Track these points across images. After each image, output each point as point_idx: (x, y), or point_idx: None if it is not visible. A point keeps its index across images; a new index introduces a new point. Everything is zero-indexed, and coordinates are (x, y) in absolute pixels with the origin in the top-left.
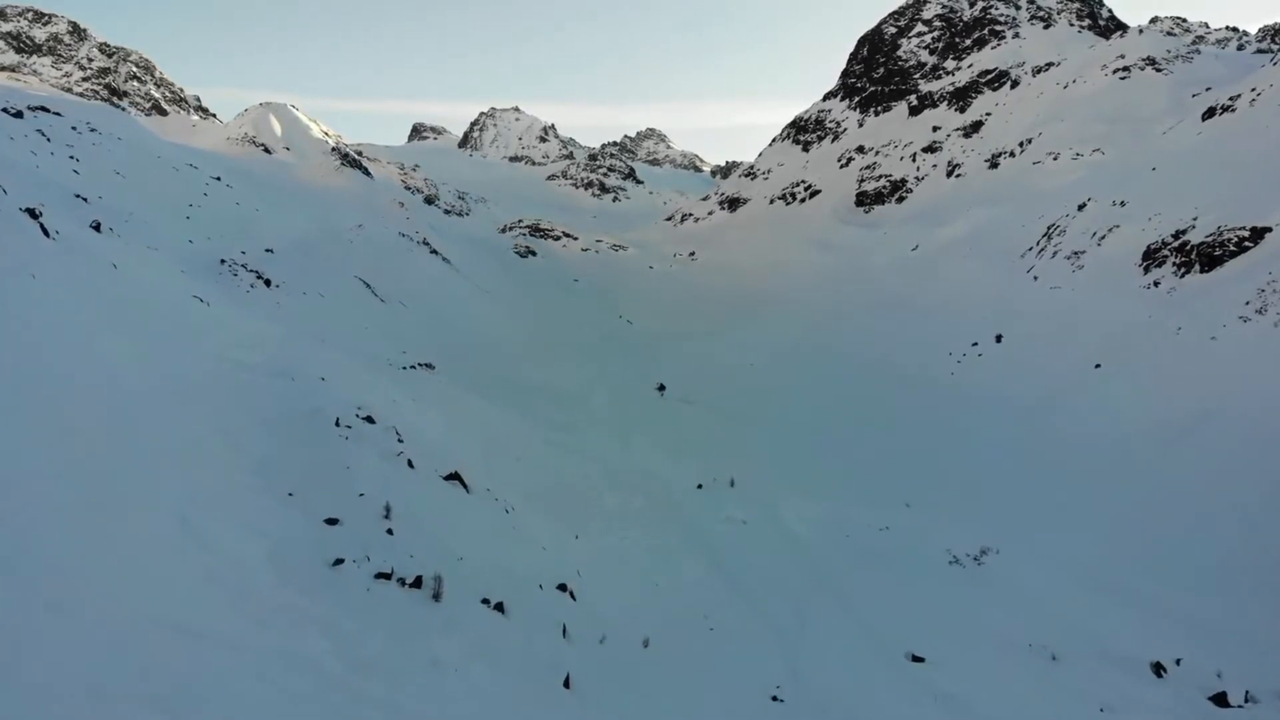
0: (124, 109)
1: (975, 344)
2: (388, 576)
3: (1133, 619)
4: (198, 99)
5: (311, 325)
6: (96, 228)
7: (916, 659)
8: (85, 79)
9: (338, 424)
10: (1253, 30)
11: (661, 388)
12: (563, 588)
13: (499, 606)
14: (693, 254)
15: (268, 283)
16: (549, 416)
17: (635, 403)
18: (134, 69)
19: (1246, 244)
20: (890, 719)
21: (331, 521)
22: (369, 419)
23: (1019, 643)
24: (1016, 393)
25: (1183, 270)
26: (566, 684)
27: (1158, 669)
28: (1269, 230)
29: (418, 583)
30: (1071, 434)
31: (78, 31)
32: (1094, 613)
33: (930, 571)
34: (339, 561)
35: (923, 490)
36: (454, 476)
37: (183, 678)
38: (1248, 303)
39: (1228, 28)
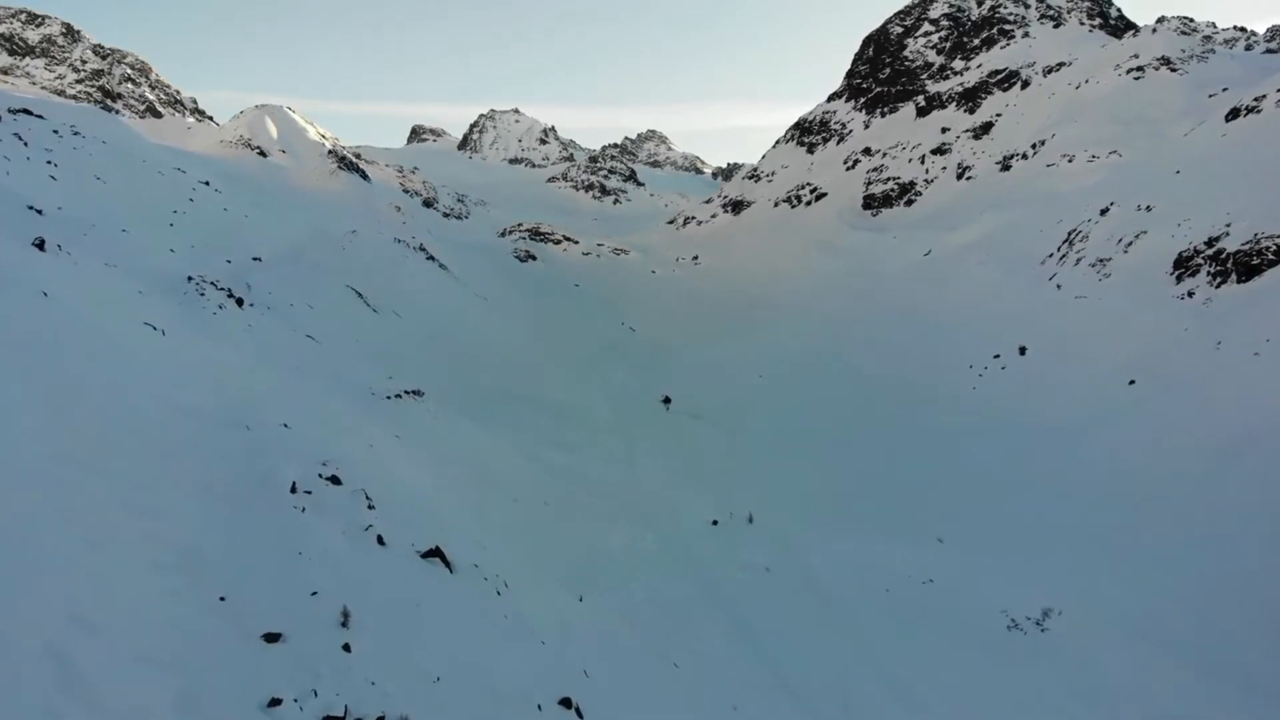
0: (117, 111)
1: (997, 356)
2: None
3: (1230, 701)
4: (194, 101)
5: (287, 349)
6: (40, 245)
7: None
8: (78, 81)
9: (294, 490)
10: (1260, 30)
11: (666, 400)
12: (566, 703)
13: None
14: (696, 258)
15: (240, 302)
16: (549, 435)
17: (639, 417)
18: (129, 71)
19: None
20: None
21: (272, 638)
22: (334, 479)
23: None
24: (1045, 410)
25: (1218, 280)
26: None
27: None
28: None
29: None
30: (1109, 457)
31: (71, 33)
32: (1185, 695)
33: (988, 640)
34: (275, 702)
35: (955, 521)
36: (435, 553)
37: None
38: None
39: (1235, 28)
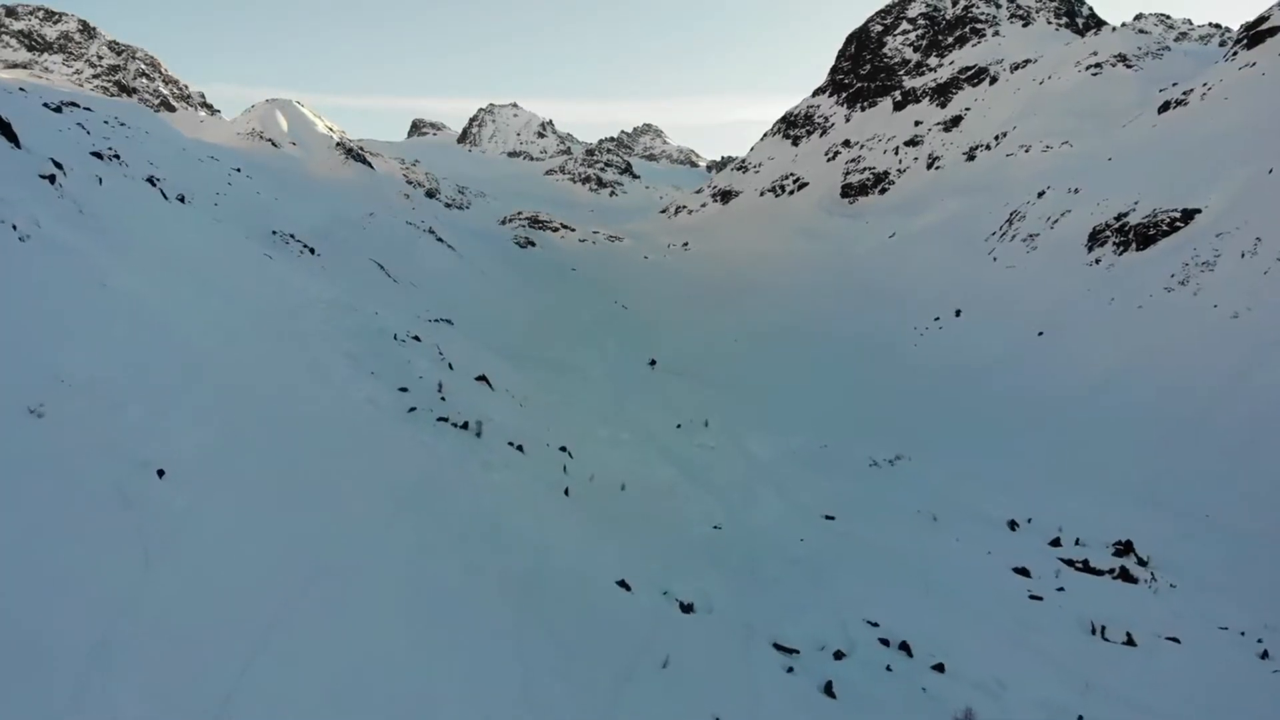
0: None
1: (936, 318)
2: (445, 420)
3: (1008, 502)
4: (203, 96)
5: (354, 282)
6: (181, 199)
7: (828, 517)
8: (95, 76)
9: (395, 338)
10: (1235, 27)
11: (653, 362)
12: (563, 448)
13: (519, 448)
14: (686, 244)
15: (313, 251)
16: (552, 382)
17: (628, 375)
18: (142, 66)
19: (1178, 224)
20: (811, 543)
21: (403, 389)
22: (416, 338)
23: (908, 510)
24: (966, 359)
25: (1121, 249)
26: (566, 492)
27: (1012, 525)
28: (1198, 212)
29: (465, 426)
30: (1012, 388)
31: (87, 30)
32: (972, 498)
33: (854, 472)
34: (413, 409)
35: (872, 431)
36: (482, 378)
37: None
38: (1173, 275)
39: (1210, 24)
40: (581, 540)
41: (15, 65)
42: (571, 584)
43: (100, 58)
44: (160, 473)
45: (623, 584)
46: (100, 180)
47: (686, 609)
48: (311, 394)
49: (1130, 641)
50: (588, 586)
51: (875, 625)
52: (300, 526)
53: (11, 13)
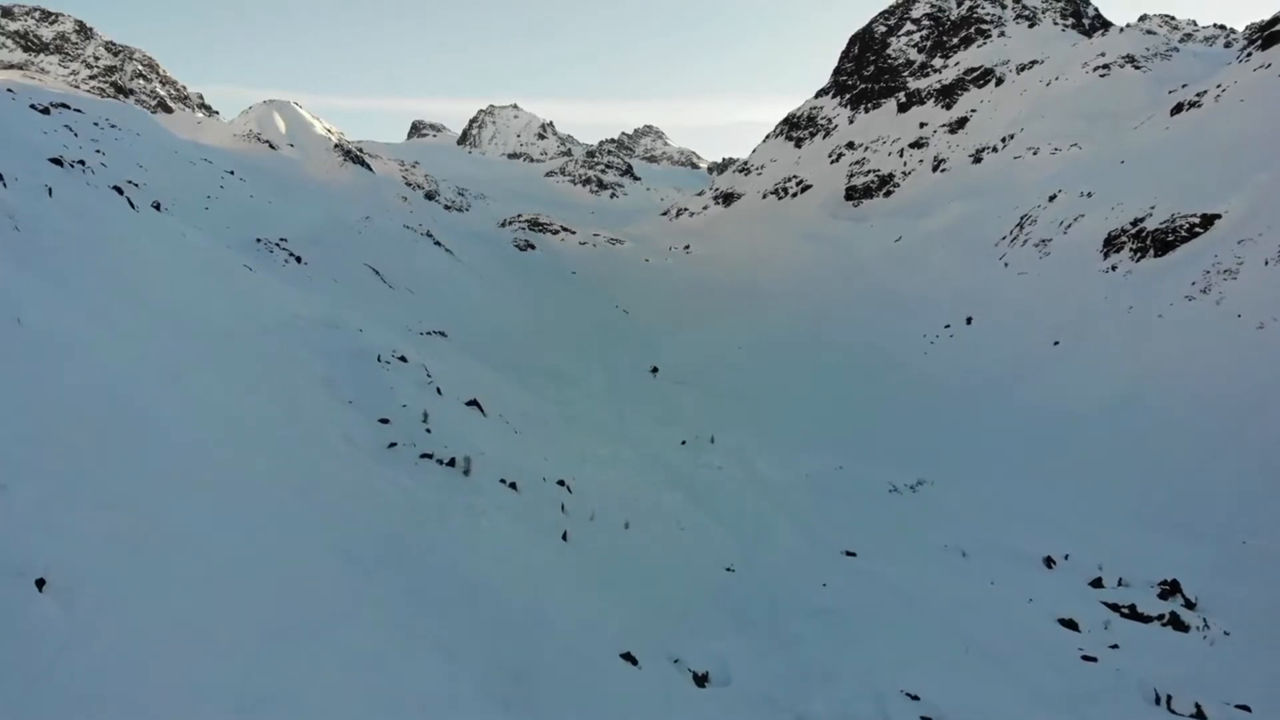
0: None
1: (947, 326)
2: (430, 457)
3: (1039, 533)
4: (201, 97)
5: (342, 294)
6: (156, 207)
7: (849, 554)
8: (92, 77)
9: (379, 359)
10: (1240, 28)
11: (654, 370)
12: (561, 482)
13: (513, 485)
14: (687, 247)
15: (299, 259)
16: (549, 395)
17: (630, 384)
18: (139, 67)
19: (1197, 230)
20: (834, 588)
21: (384, 421)
22: (403, 358)
23: (934, 545)
24: (980, 370)
25: (1139, 255)
26: (564, 536)
27: (1048, 562)
28: (1218, 217)
29: (452, 463)
30: (1028, 401)
31: (84, 30)
32: (1001, 529)
33: (873, 497)
34: (393, 444)
35: (884, 447)
36: (473, 403)
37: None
38: (1193, 283)
39: (1216, 25)
40: (581, 602)
41: (11, 66)
42: (569, 664)
43: (97, 58)
44: (40, 583)
45: (628, 656)
46: (50, 191)
47: (700, 681)
48: (275, 437)
49: (1200, 714)
50: (588, 665)
51: (915, 699)
52: (236, 631)
53: (7, 13)
